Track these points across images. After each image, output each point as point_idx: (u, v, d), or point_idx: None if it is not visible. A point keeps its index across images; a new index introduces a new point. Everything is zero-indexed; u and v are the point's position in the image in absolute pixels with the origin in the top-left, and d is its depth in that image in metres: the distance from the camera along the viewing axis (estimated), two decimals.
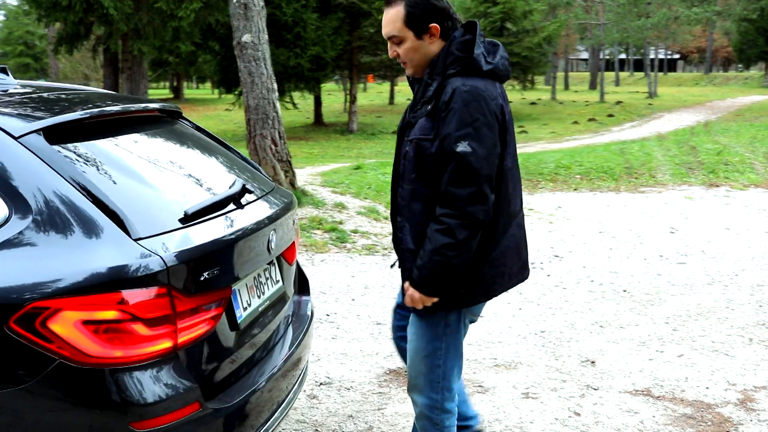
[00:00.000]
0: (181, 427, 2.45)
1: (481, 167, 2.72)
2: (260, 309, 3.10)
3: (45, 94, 3.13)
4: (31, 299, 2.30)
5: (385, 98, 40.83)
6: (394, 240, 3.15)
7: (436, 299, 2.87)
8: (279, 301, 3.34)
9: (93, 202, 2.44)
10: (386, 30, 2.89)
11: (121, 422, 2.35)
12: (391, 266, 3.37)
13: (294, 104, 23.64)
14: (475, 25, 2.91)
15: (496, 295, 3.01)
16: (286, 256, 3.48)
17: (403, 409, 4.25)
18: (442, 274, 2.78)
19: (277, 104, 8.96)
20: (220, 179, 3.16)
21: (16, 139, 2.52)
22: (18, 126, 2.56)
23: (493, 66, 2.84)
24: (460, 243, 2.74)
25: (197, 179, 3.09)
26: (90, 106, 2.99)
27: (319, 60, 21.51)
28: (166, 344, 2.45)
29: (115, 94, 3.60)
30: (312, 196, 9.39)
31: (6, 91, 3.10)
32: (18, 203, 2.43)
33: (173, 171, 3.02)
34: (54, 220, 2.42)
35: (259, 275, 3.14)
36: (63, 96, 3.18)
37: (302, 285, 3.83)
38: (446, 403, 3.09)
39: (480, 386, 4.53)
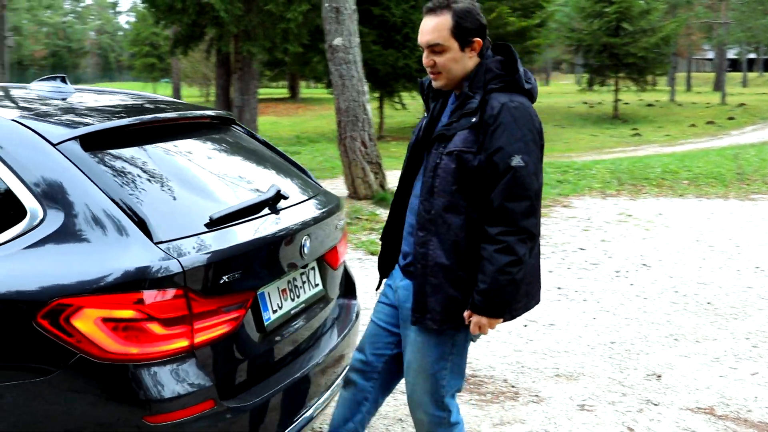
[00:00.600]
0: (194, 423, 2.54)
1: (532, 182, 2.74)
2: (293, 312, 3.17)
3: (96, 103, 3.30)
4: (57, 296, 2.44)
5: None
6: (385, 257, 3.18)
7: (501, 320, 2.85)
8: (318, 303, 3.41)
9: (119, 207, 2.57)
10: (429, 37, 2.84)
11: (135, 415, 2.47)
12: (377, 289, 3.32)
13: (403, 105, 23.76)
14: (507, 47, 2.92)
15: (517, 316, 2.97)
16: (329, 260, 3.54)
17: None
18: (509, 292, 2.77)
19: (368, 106, 9.06)
20: (258, 185, 3.25)
21: (54, 145, 2.67)
22: (57, 133, 2.72)
23: (531, 86, 2.87)
24: (521, 259, 2.74)
25: (233, 185, 3.18)
26: (134, 114, 3.14)
27: None
28: (182, 343, 2.55)
29: (172, 102, 3.75)
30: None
31: (64, 99, 3.29)
32: (51, 207, 2.58)
33: (210, 176, 3.12)
34: (82, 223, 2.55)
35: (294, 279, 3.21)
36: (113, 104, 3.35)
37: (349, 288, 3.88)
38: (452, 417, 3.08)
39: (536, 396, 4.48)
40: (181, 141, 3.22)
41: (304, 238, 3.14)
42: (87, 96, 3.46)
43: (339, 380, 3.47)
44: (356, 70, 8.89)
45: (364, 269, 7.43)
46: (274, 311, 3.03)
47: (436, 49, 2.84)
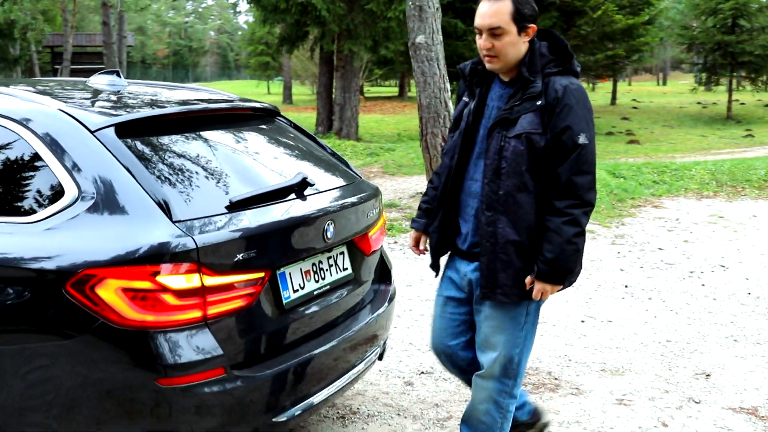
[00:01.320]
0: (203, 388, 2.76)
1: (593, 158, 2.98)
2: (317, 292, 3.35)
3: (142, 95, 3.57)
4: (84, 267, 2.70)
5: (608, 98, 39.59)
6: (440, 240, 3.31)
7: (561, 287, 3.05)
8: (345, 286, 3.58)
9: (144, 189, 2.81)
10: (490, 21, 2.98)
11: (148, 378, 2.70)
12: (436, 276, 3.48)
13: None
14: (551, 32, 3.11)
15: (573, 282, 3.14)
16: (361, 246, 3.71)
17: None
18: (574, 261, 2.98)
19: (450, 103, 9.17)
20: (288, 173, 3.44)
21: (92, 132, 2.94)
22: (96, 121, 2.99)
23: (579, 69, 3.10)
24: (584, 230, 2.98)
25: (263, 172, 3.39)
26: (174, 105, 3.39)
27: None
28: (195, 314, 2.77)
29: (216, 93, 3.99)
30: None
31: (117, 91, 3.58)
32: (85, 187, 2.85)
33: (239, 164, 3.35)
34: (110, 202, 2.81)
35: (320, 262, 3.40)
36: (158, 96, 3.61)
37: (384, 274, 4.03)
38: (515, 389, 3.26)
39: (576, 389, 4.52)
40: (217, 131, 3.45)
41: (327, 223, 3.31)
42: (137, 89, 3.74)
43: (363, 364, 3.63)
44: (438, 68, 9.02)
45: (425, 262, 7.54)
46: (295, 291, 3.21)
47: (496, 32, 2.98)
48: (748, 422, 4.13)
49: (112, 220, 2.79)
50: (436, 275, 3.48)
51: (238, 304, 2.90)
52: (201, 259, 2.75)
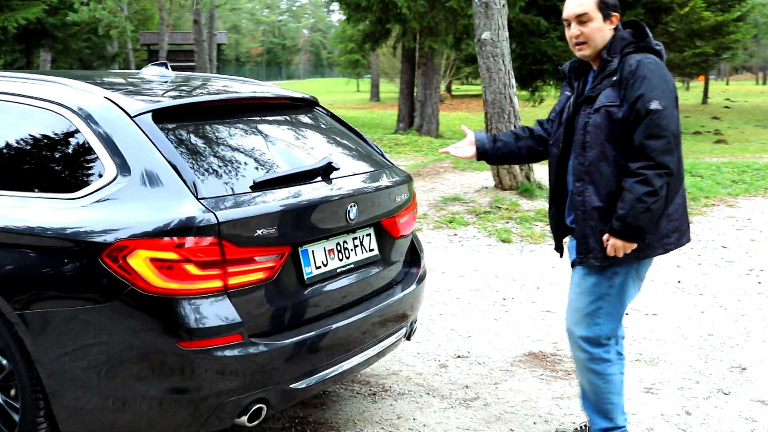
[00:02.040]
0: (220, 352, 3.00)
1: (669, 123, 3.13)
2: (340, 270, 3.57)
3: (186, 85, 3.85)
4: (118, 239, 2.99)
5: (699, 97, 38.57)
6: (558, 224, 3.54)
7: (635, 245, 3.21)
8: (371, 266, 3.78)
9: (174, 170, 3.08)
10: (578, 9, 3.26)
11: (170, 340, 2.97)
12: (560, 252, 3.67)
13: None
14: (636, 22, 3.36)
15: (670, 250, 3.37)
16: (389, 229, 3.90)
17: (517, 386, 4.48)
18: (644, 219, 3.14)
19: (515, 99, 9.26)
20: (316, 157, 3.66)
21: (131, 117, 3.23)
22: (135, 107, 3.28)
23: (660, 48, 3.31)
24: (657, 190, 3.10)
25: (292, 156, 3.62)
26: (211, 94, 3.66)
27: None
28: (216, 284, 3.03)
29: (260, 85, 4.24)
30: (548, 190, 9.55)
31: (165, 81, 3.87)
32: (124, 167, 3.14)
33: (270, 148, 3.59)
34: (144, 181, 3.09)
35: (344, 242, 3.61)
36: (199, 85, 3.89)
37: (414, 258, 4.22)
38: (607, 354, 3.46)
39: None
40: (251, 118, 3.70)
41: (351, 204, 3.52)
42: (183, 80, 4.02)
43: (387, 341, 3.82)
44: (503, 64, 9.12)
45: (492, 254, 7.69)
46: (317, 267, 3.44)
47: (583, 18, 3.26)
48: None
49: (144, 197, 3.07)
50: (561, 256, 3.71)
51: (258, 276, 3.13)
52: (222, 233, 3.00)
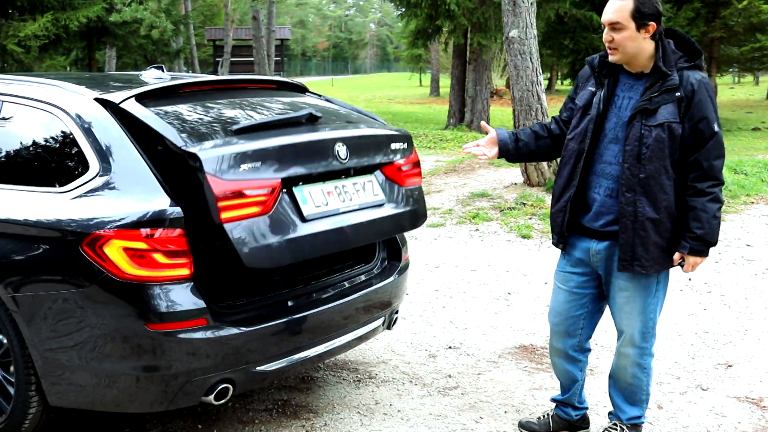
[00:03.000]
0: (186, 334, 3.26)
1: (723, 144, 3.39)
2: (343, 210, 3.72)
3: (175, 79, 4.11)
4: (95, 229, 3.26)
5: (764, 92, 37.53)
6: (571, 218, 3.59)
7: (705, 259, 3.47)
8: (377, 209, 3.91)
9: (149, 166, 3.35)
10: (612, 16, 3.36)
11: (140, 322, 3.23)
12: (561, 247, 3.73)
13: None
14: (674, 32, 3.47)
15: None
16: (394, 178, 4.08)
17: (499, 377, 4.64)
18: (717, 234, 3.40)
19: (543, 96, 9.34)
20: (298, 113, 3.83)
21: (116, 106, 3.50)
22: (120, 97, 3.55)
23: (703, 64, 3.47)
24: (722, 205, 3.40)
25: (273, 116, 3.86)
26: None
27: None
28: (183, 272, 3.28)
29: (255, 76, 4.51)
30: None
31: (159, 80, 4.15)
32: (105, 164, 3.41)
33: (251, 115, 3.81)
34: (121, 178, 3.37)
35: (344, 186, 3.79)
36: (189, 80, 4.13)
37: (394, 251, 4.40)
38: (652, 348, 3.68)
39: (591, 370, 4.72)
40: (236, 98, 3.99)
41: (338, 144, 3.68)
42: (176, 77, 4.29)
43: (362, 330, 4.01)
44: (531, 61, 9.20)
45: (509, 249, 7.82)
46: (317, 206, 3.61)
47: (616, 26, 3.35)
48: (746, 410, 4.22)
49: (120, 192, 3.34)
50: (563, 251, 3.76)
51: (254, 210, 3.32)
52: (188, 226, 3.26)
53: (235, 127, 3.48)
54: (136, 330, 3.25)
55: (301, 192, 3.58)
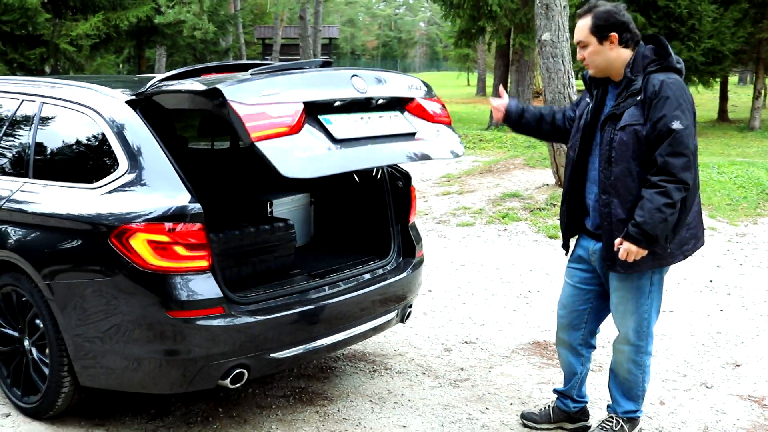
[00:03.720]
0: (202, 321, 3.51)
1: (689, 141, 3.38)
2: (370, 136, 3.83)
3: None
4: (122, 223, 3.54)
5: None
6: (570, 222, 3.85)
7: (645, 252, 3.46)
8: (406, 137, 4.04)
9: (172, 165, 3.61)
10: (577, 36, 3.61)
11: (161, 309, 3.50)
12: (567, 254, 3.97)
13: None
14: (656, 37, 3.60)
15: (689, 255, 3.67)
16: (422, 115, 4.20)
17: (509, 371, 4.82)
18: (659, 228, 3.39)
19: (575, 98, 9.45)
20: None
21: (144, 122, 3.78)
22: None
23: (681, 66, 3.54)
24: (675, 203, 3.38)
25: None
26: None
27: (716, 53, 20.68)
28: (202, 263, 3.54)
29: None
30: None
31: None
32: (133, 162, 3.69)
33: None
34: (148, 175, 3.64)
35: (370, 117, 3.92)
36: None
37: (410, 248, 4.61)
38: (648, 347, 3.80)
39: (599, 366, 4.88)
40: None
41: (352, 75, 3.85)
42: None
43: (371, 323, 4.23)
44: (563, 64, 9.32)
45: (536, 249, 7.97)
46: (346, 130, 3.71)
47: (581, 44, 3.60)
48: (747, 409, 4.34)
49: (146, 188, 3.62)
50: (567, 253, 3.99)
51: (282, 129, 3.43)
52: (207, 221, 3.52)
53: (251, 71, 3.68)
54: (158, 317, 3.51)
55: (327, 119, 3.68)
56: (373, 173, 4.64)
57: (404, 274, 4.45)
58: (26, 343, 4.03)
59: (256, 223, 4.29)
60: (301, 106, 3.55)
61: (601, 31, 3.52)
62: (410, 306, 4.60)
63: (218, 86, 3.39)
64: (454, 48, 28.99)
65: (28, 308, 3.96)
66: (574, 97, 9.49)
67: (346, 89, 3.80)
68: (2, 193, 4.10)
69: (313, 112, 3.64)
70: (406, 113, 4.14)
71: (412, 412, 4.25)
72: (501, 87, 4.15)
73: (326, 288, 4.07)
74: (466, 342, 5.33)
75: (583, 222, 3.81)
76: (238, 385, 3.71)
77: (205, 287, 3.55)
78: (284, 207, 4.80)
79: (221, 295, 3.57)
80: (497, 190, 10.28)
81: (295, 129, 3.49)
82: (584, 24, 3.56)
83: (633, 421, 3.91)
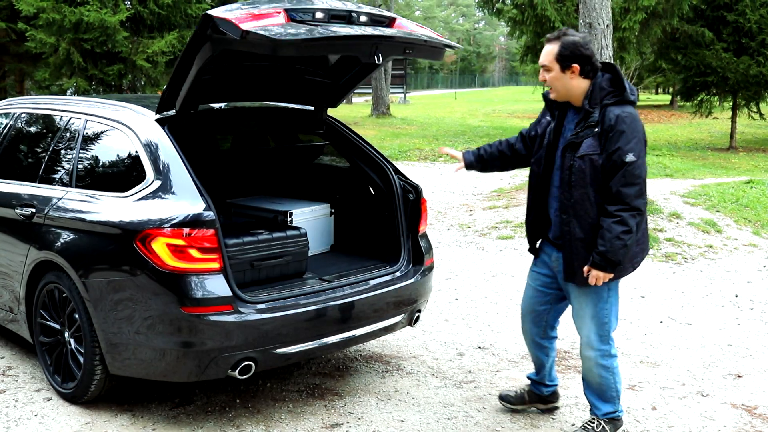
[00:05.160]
0: (213, 317, 3.92)
1: (641, 172, 3.73)
2: None
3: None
4: (145, 228, 3.98)
5: None
6: (534, 230, 4.23)
7: (612, 275, 3.83)
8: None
9: (191, 176, 4.05)
10: (542, 59, 3.92)
11: (177, 305, 3.91)
12: (535, 254, 4.32)
13: (761, 115, 22.56)
14: (613, 66, 3.91)
15: (637, 267, 4.03)
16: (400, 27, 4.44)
17: (515, 375, 5.09)
18: (621, 253, 3.74)
19: None
20: None
21: (170, 137, 4.23)
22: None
23: (635, 98, 3.86)
24: (631, 229, 3.72)
25: None
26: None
27: None
28: (214, 265, 3.95)
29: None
30: (651, 204, 9.71)
31: None
32: (158, 174, 4.14)
33: None
34: (170, 185, 4.08)
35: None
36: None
37: (419, 256, 4.93)
38: (612, 350, 4.09)
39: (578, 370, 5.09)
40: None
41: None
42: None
43: (378, 324, 4.57)
44: None
45: None
46: None
47: (545, 68, 3.91)
48: (736, 416, 4.52)
49: (167, 198, 4.06)
50: (535, 257, 4.33)
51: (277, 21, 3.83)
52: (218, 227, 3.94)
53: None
54: (175, 312, 3.93)
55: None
56: (389, 178, 4.96)
57: (412, 280, 4.78)
58: (66, 334, 4.51)
59: (272, 230, 4.69)
60: (282, 8, 3.88)
61: (565, 61, 3.81)
62: (419, 310, 4.92)
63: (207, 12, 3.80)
64: (520, 64, 29.10)
65: (67, 303, 4.43)
66: None
67: (327, 3, 4.10)
68: (50, 200, 4.60)
69: (295, 17, 3.91)
70: (389, 28, 4.34)
71: (413, 408, 4.57)
72: (446, 150, 4.56)
73: (333, 290, 4.43)
74: (479, 348, 5.62)
75: (546, 231, 4.13)
76: (246, 376, 4.10)
77: (217, 286, 3.96)
78: (304, 217, 5.18)
79: (231, 293, 3.98)
80: None
81: (279, 17, 3.82)
82: (551, 50, 3.86)
83: (615, 421, 4.16)
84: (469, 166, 4.43)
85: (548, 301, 4.25)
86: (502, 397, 4.53)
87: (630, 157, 3.67)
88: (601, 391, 4.12)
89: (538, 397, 4.49)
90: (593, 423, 4.16)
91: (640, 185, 3.71)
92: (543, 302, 4.26)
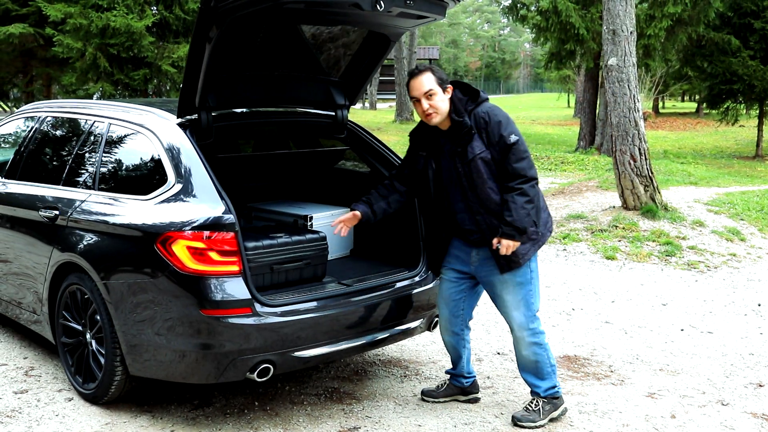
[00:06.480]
0: (232, 319, 3.94)
1: (525, 147, 4.18)
2: None
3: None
4: (166, 230, 4.02)
5: None
6: (437, 256, 4.59)
7: (519, 243, 4.14)
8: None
9: (212, 180, 4.08)
10: (425, 88, 4.19)
11: (196, 307, 3.95)
12: (444, 259, 4.57)
13: None
14: (460, 82, 4.33)
15: (552, 230, 4.46)
16: None
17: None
18: (526, 221, 4.10)
19: (640, 123, 9.57)
20: None
21: (192, 141, 4.27)
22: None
23: (486, 95, 4.29)
24: (532, 198, 4.13)
25: None
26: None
27: None
28: (233, 268, 3.98)
29: None
30: (674, 212, 9.73)
31: None
32: (179, 177, 4.18)
33: None
34: (189, 187, 4.12)
35: None
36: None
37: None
38: (540, 326, 4.41)
39: (621, 381, 5.09)
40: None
41: None
42: None
43: (396, 329, 4.61)
44: (629, 88, 9.46)
45: (590, 269, 8.16)
46: None
47: (431, 92, 4.20)
48: (756, 425, 4.48)
49: (188, 201, 4.10)
50: (447, 255, 4.55)
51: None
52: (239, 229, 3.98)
53: None
54: (194, 314, 3.96)
55: None
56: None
57: (431, 285, 4.79)
58: (87, 336, 4.56)
59: (292, 234, 4.71)
60: None
61: (443, 83, 4.20)
62: (437, 315, 4.92)
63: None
64: (544, 71, 29.05)
65: (89, 305, 4.49)
66: (640, 122, 9.63)
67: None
68: (73, 203, 4.65)
69: None
70: None
71: (431, 413, 4.57)
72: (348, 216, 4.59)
73: (352, 294, 4.45)
74: (498, 353, 5.61)
75: (459, 233, 4.40)
76: (265, 378, 4.12)
77: (236, 289, 3.99)
78: (324, 221, 5.20)
79: (250, 296, 4.00)
80: (564, 211, 10.45)
81: None
82: (428, 77, 4.19)
83: (554, 399, 4.47)
84: (366, 217, 4.51)
85: (463, 290, 4.52)
86: (425, 393, 4.77)
87: (513, 138, 4.09)
88: (537, 368, 4.42)
89: (460, 389, 4.74)
90: (533, 403, 4.46)
91: (528, 157, 4.13)
92: (458, 291, 4.52)
